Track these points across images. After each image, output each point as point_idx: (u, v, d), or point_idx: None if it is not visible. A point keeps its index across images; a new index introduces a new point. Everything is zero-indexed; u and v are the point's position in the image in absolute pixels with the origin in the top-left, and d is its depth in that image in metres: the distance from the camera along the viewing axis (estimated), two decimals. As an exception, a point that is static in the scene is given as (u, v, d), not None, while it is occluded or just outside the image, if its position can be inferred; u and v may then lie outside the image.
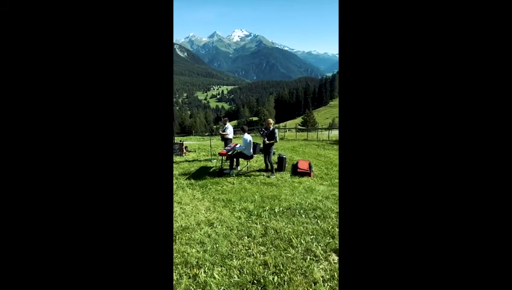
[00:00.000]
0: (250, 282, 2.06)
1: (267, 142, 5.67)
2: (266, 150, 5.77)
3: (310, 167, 6.28)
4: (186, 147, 9.41)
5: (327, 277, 2.10)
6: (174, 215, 3.48)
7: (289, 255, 2.43)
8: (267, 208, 3.67)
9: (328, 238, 2.73)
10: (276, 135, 5.71)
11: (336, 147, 10.56)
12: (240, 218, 3.35)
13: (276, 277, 2.11)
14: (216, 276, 2.13)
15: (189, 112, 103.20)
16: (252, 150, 6.06)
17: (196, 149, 10.14)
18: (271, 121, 5.88)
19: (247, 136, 5.89)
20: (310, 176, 5.74)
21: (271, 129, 5.68)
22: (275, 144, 5.95)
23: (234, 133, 7.84)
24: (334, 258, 2.37)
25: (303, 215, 3.39)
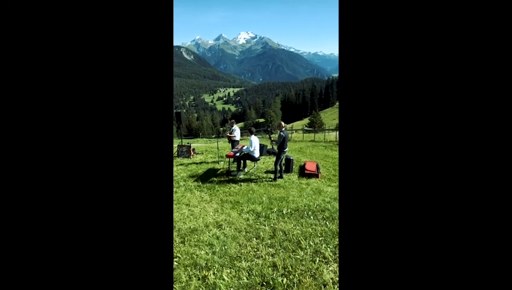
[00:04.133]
0: (259, 284, 2.05)
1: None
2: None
3: (318, 168, 6.24)
4: (193, 150, 9.47)
5: (337, 279, 2.08)
6: (182, 217, 3.50)
7: (298, 257, 2.42)
8: (275, 209, 3.66)
9: (337, 240, 2.70)
10: (280, 138, 5.35)
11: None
12: (248, 220, 3.35)
13: (285, 278, 2.10)
14: (225, 278, 2.13)
15: (196, 115, 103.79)
16: (259, 152, 6.05)
17: (203, 151, 10.20)
18: (280, 124, 5.62)
19: (254, 138, 5.89)
20: (317, 177, 5.70)
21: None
22: (275, 146, 5.52)
23: (241, 135, 7.86)
24: (344, 260, 2.35)
25: (311, 217, 3.37)
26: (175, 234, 2.95)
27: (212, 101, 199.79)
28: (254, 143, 5.80)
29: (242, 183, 5.24)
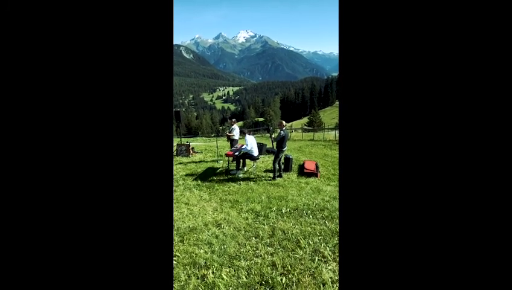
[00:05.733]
0: (258, 283, 2.06)
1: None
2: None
3: (317, 167, 6.25)
4: (193, 148, 9.46)
5: (336, 278, 2.09)
6: (181, 216, 3.50)
7: (297, 256, 2.42)
8: (274, 208, 3.67)
9: (336, 239, 2.71)
10: (279, 137, 5.41)
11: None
12: (247, 219, 3.35)
13: (284, 277, 2.10)
14: (224, 277, 2.13)
15: (195, 114, 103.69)
16: (257, 151, 6.04)
17: (203, 150, 10.19)
18: (281, 122, 5.60)
19: (249, 137, 5.88)
20: (316, 176, 5.70)
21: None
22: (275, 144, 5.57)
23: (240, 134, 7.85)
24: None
25: (310, 216, 3.37)
26: (174, 233, 2.95)
27: (211, 100, 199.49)
28: (249, 142, 5.78)
29: (241, 183, 5.24)
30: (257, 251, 2.53)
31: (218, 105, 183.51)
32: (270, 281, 2.06)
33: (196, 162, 7.67)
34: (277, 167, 5.51)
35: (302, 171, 5.96)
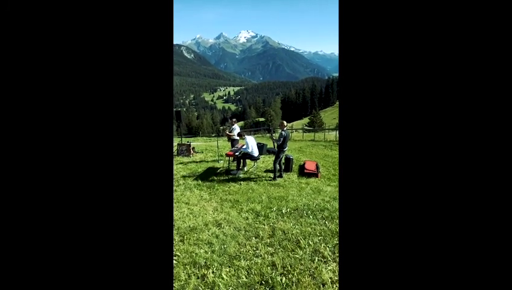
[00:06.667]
0: (258, 283, 2.06)
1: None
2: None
3: (317, 167, 6.24)
4: (193, 148, 9.46)
5: (336, 278, 2.09)
6: (182, 215, 3.51)
7: (297, 256, 2.42)
8: (274, 208, 3.67)
9: (336, 239, 2.71)
10: (281, 137, 5.37)
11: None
12: (248, 219, 3.35)
13: (284, 277, 2.11)
14: (224, 276, 2.13)
15: (196, 113, 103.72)
16: (257, 151, 6.04)
17: (203, 150, 10.19)
18: (282, 123, 5.58)
19: (249, 138, 5.87)
20: (317, 176, 5.70)
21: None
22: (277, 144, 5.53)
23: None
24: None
25: (310, 216, 3.37)
26: (174, 232, 2.96)
27: (212, 100, 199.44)
28: (249, 143, 5.78)
29: (241, 182, 5.24)
30: (257, 251, 2.53)
31: (219, 105, 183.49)
32: (270, 281, 2.06)
33: (197, 162, 7.67)
34: (277, 167, 5.51)
35: (302, 172, 5.96)
